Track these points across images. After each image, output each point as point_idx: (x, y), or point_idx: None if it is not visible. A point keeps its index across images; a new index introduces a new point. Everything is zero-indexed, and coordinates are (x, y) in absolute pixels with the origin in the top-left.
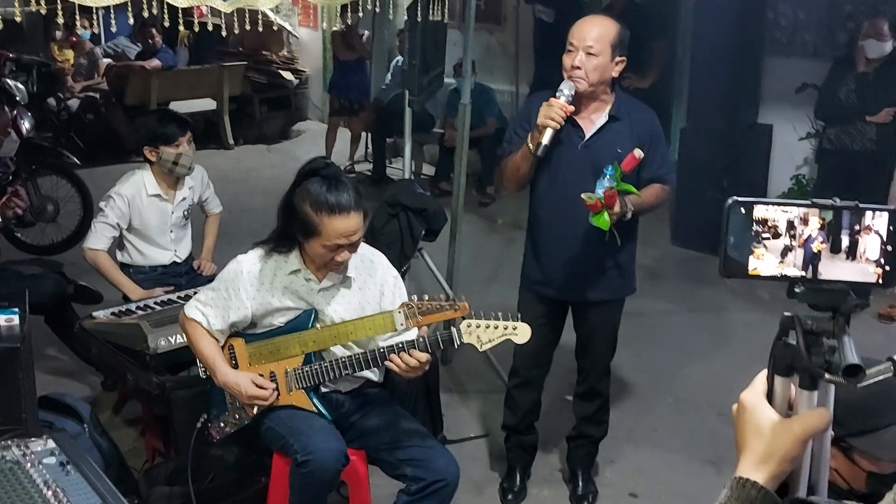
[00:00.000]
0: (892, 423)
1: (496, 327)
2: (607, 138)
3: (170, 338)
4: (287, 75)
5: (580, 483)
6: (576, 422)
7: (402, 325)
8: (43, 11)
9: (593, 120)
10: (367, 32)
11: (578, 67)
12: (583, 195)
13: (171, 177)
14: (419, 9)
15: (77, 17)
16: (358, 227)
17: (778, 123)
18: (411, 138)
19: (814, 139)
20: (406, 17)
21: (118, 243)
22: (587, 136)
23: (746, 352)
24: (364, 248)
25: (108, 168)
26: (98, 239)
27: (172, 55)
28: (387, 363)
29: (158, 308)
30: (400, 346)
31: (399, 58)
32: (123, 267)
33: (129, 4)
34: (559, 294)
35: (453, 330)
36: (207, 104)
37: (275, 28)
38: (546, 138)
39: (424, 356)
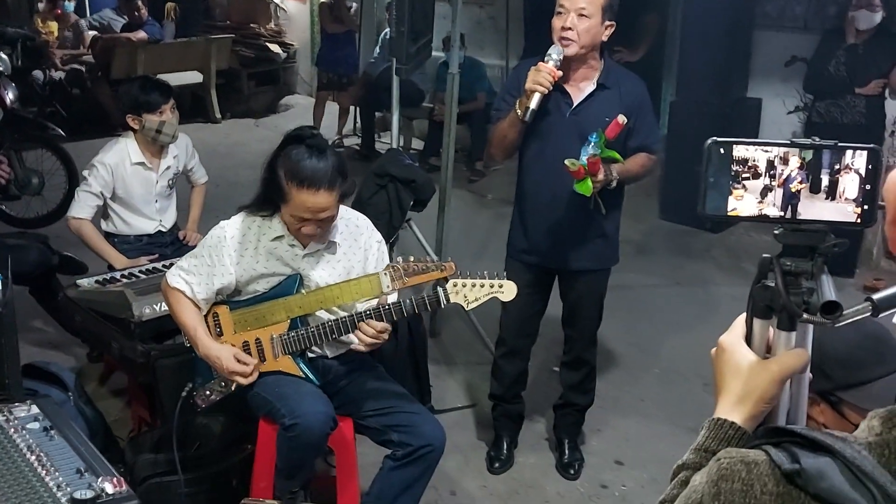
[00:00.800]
0: (880, 375)
1: (482, 286)
2: (595, 106)
3: (154, 306)
4: (275, 49)
5: (566, 451)
6: (562, 391)
7: (388, 287)
8: None
9: (581, 88)
10: (354, 4)
11: (570, 28)
12: (566, 161)
13: (154, 145)
14: None
15: None
16: (327, 206)
17: (767, 97)
18: (400, 112)
19: (802, 113)
20: None
21: (103, 212)
22: (575, 104)
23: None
24: (349, 212)
25: (93, 141)
26: (82, 208)
27: (159, 28)
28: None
29: (143, 276)
30: (386, 308)
31: (388, 30)
32: (108, 236)
33: None
34: (544, 262)
35: (440, 290)
36: (194, 77)
37: (262, 1)
38: (534, 103)
39: (381, 325)
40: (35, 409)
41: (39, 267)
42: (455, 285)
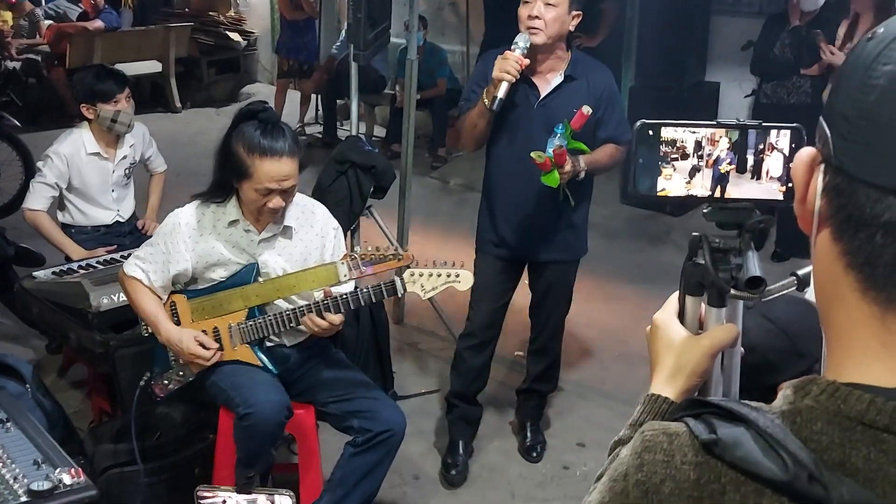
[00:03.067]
0: (802, 371)
1: (439, 275)
2: (563, 97)
3: (112, 296)
4: (235, 37)
5: (529, 434)
6: (525, 376)
7: (345, 276)
8: None
9: (549, 79)
10: None
11: (537, 17)
12: (532, 154)
13: (110, 135)
14: None
15: None
16: (291, 174)
17: (725, 82)
18: (361, 99)
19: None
20: None
21: (59, 204)
22: (542, 96)
23: None
24: (304, 198)
25: (50, 132)
26: (37, 199)
27: (116, 16)
28: (302, 322)
29: (101, 267)
30: (343, 297)
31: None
32: (65, 227)
33: None
34: (514, 254)
35: (396, 279)
36: (153, 66)
37: None
38: (501, 92)
39: (338, 318)
40: None
41: None
42: (412, 275)
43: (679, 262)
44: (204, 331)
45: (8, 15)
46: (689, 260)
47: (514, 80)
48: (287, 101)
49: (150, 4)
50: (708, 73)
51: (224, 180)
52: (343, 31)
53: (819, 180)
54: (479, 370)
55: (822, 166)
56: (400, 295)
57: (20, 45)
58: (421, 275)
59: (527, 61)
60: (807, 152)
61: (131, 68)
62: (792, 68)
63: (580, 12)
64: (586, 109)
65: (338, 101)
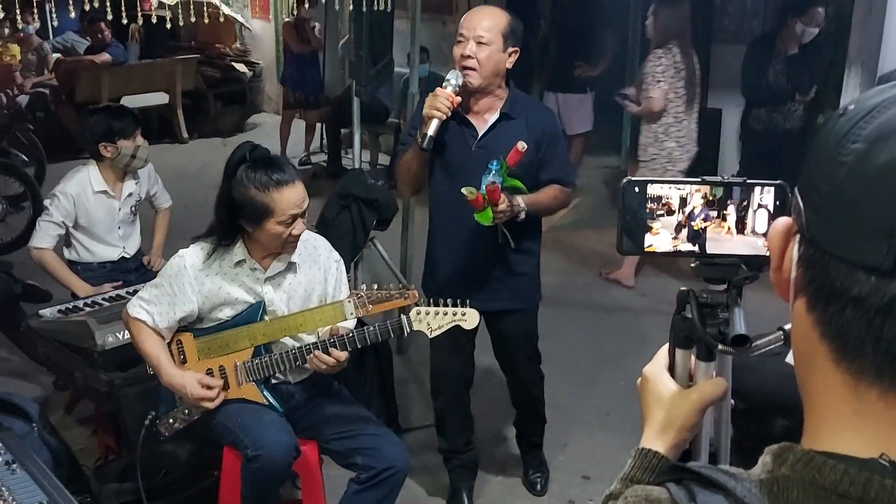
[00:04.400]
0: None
1: (445, 314)
2: (501, 137)
3: (118, 334)
4: (241, 68)
5: (531, 467)
6: (515, 416)
7: (351, 314)
8: None
9: (486, 118)
10: (318, 25)
11: (470, 56)
12: (463, 190)
13: (120, 172)
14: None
15: (17, 11)
16: (305, 195)
17: (726, 108)
18: (364, 128)
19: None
20: (352, 8)
21: (65, 241)
22: (480, 135)
23: None
24: (306, 233)
25: (58, 165)
26: (43, 237)
27: (123, 50)
28: (307, 360)
29: (106, 304)
30: (350, 336)
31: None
32: (71, 264)
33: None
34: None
35: (403, 318)
36: (160, 98)
37: (221, 20)
38: (431, 129)
39: (343, 354)
40: None
41: (2, 297)
42: (418, 313)
43: (676, 289)
44: (210, 369)
45: (16, 49)
46: (677, 313)
47: (444, 117)
48: (292, 130)
49: (157, 37)
50: (710, 100)
51: (231, 226)
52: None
53: (794, 250)
54: (460, 427)
55: (798, 236)
56: (406, 334)
57: (29, 80)
58: (427, 313)
59: (458, 99)
60: (782, 222)
61: (138, 100)
62: (788, 94)
63: (517, 49)
64: (521, 145)
65: (342, 130)
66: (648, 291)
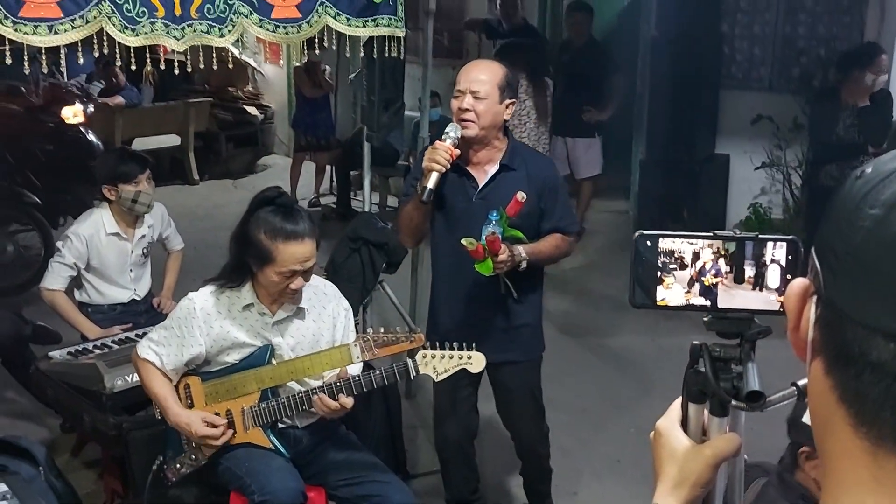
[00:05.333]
0: None
1: (451, 357)
2: (502, 188)
3: (126, 377)
4: (252, 111)
5: None
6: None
7: (358, 357)
8: None
9: (486, 170)
10: (329, 68)
11: (468, 110)
12: (463, 241)
13: (130, 215)
14: (375, 46)
15: (25, 58)
16: (311, 254)
17: (735, 154)
18: (373, 172)
19: (770, 169)
20: (363, 55)
21: (76, 282)
22: (480, 186)
23: None
24: (316, 279)
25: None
26: (55, 279)
27: (137, 93)
28: (314, 403)
29: (115, 347)
30: (356, 380)
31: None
32: (82, 306)
33: (80, 44)
34: None
35: (409, 361)
36: (172, 140)
37: (230, 65)
38: (431, 182)
39: (349, 401)
40: (3, 487)
41: (12, 338)
42: (424, 356)
43: (694, 335)
44: (217, 413)
45: None
46: (690, 367)
47: (443, 169)
48: (303, 172)
49: (171, 80)
50: (718, 146)
51: (242, 265)
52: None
53: (812, 311)
54: (465, 474)
55: (815, 297)
56: (412, 377)
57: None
58: (433, 357)
59: (457, 151)
60: (799, 283)
61: (151, 142)
62: (860, 148)
63: (514, 100)
64: (521, 196)
65: (352, 172)
66: (660, 335)
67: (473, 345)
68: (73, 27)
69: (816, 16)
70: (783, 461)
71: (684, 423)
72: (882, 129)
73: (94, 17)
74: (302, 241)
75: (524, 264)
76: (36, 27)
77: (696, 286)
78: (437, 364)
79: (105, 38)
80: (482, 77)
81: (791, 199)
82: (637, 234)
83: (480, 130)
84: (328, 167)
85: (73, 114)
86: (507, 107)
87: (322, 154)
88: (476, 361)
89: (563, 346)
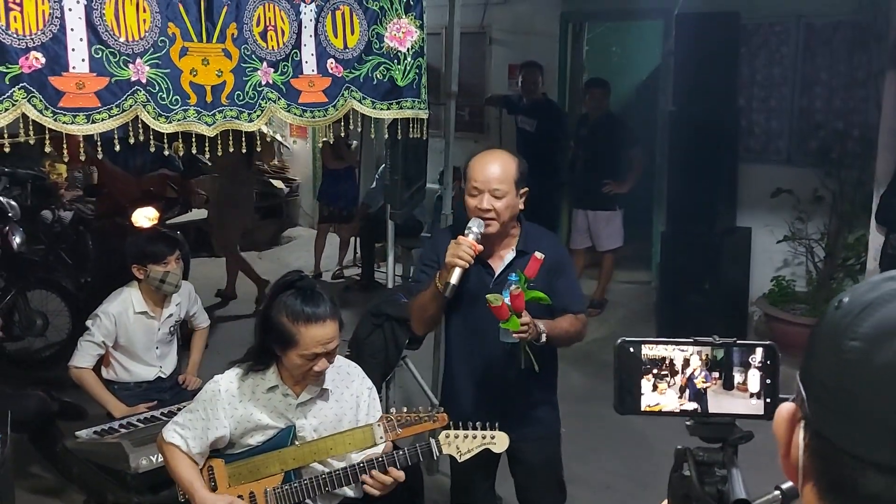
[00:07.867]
0: None
1: (474, 437)
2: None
3: (151, 457)
4: (278, 184)
5: None
6: None
7: (381, 438)
8: (31, 142)
9: (502, 256)
10: (355, 142)
11: (489, 209)
12: (488, 296)
13: (158, 294)
14: (399, 128)
15: (65, 145)
16: (334, 336)
17: (756, 227)
18: (399, 242)
19: (793, 241)
20: (387, 135)
21: (104, 360)
22: (497, 273)
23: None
24: (340, 359)
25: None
26: (83, 357)
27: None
28: (363, 484)
29: (141, 426)
30: (379, 460)
31: (384, 165)
32: (108, 384)
33: (115, 131)
34: None
35: (432, 441)
36: (199, 213)
37: (267, 140)
38: (454, 278)
39: (401, 474)
40: None
41: (39, 416)
42: (447, 436)
43: None
44: (240, 496)
45: (63, 168)
46: (675, 471)
47: (467, 265)
48: (327, 244)
49: (198, 154)
50: (739, 219)
51: (266, 350)
52: (377, 175)
53: (800, 437)
54: None
55: (803, 423)
56: (436, 457)
57: (73, 196)
58: (457, 437)
59: (480, 247)
60: (787, 409)
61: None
62: None
63: (527, 188)
64: (539, 255)
65: (375, 244)
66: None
67: (497, 424)
68: (109, 115)
69: (833, 89)
70: None
71: None
72: None
73: (130, 106)
74: (324, 323)
75: (544, 337)
76: (75, 116)
77: (688, 391)
78: (461, 444)
79: (140, 125)
80: (499, 175)
81: (815, 270)
82: (619, 341)
83: (501, 226)
84: (352, 239)
85: None
86: (521, 196)
87: (346, 226)
88: (499, 441)
89: (586, 421)
